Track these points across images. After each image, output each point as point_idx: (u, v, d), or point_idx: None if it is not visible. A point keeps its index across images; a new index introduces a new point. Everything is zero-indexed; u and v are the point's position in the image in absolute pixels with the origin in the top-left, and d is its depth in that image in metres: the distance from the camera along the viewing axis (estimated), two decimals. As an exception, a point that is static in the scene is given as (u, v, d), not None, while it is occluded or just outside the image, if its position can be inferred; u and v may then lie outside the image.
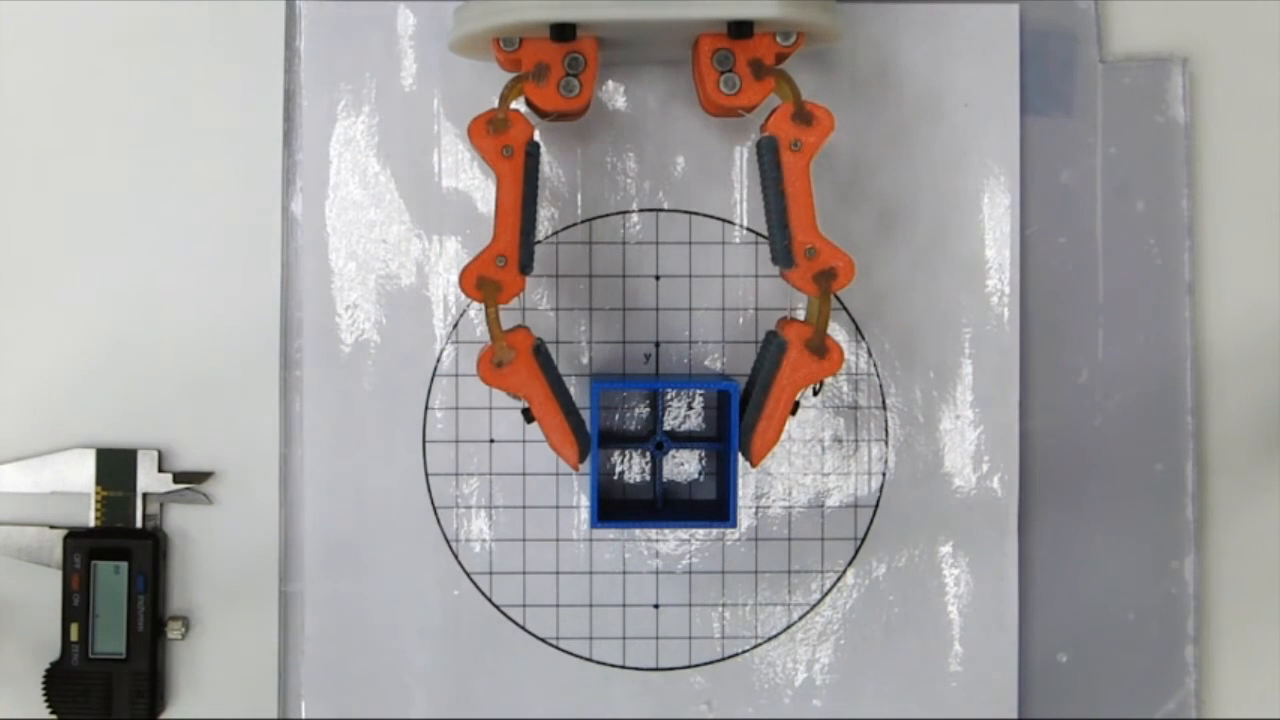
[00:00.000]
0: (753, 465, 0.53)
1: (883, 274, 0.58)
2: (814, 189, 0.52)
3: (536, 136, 0.53)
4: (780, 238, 0.52)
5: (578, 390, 0.58)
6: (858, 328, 0.59)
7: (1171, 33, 0.60)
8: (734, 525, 0.55)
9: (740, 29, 0.51)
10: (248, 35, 0.58)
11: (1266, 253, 0.60)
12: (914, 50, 0.58)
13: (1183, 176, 0.59)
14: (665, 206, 0.58)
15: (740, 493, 0.58)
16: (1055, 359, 0.59)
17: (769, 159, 0.52)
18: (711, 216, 0.58)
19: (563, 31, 0.51)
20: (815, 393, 0.57)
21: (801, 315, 0.57)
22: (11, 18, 0.59)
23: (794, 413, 0.53)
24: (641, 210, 0.58)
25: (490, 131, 0.51)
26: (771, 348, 0.54)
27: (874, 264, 0.58)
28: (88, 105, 0.59)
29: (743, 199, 0.58)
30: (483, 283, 0.52)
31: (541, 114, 0.53)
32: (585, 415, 0.55)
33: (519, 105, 0.52)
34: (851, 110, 0.58)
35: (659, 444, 0.57)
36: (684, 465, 0.59)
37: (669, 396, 0.58)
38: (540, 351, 0.53)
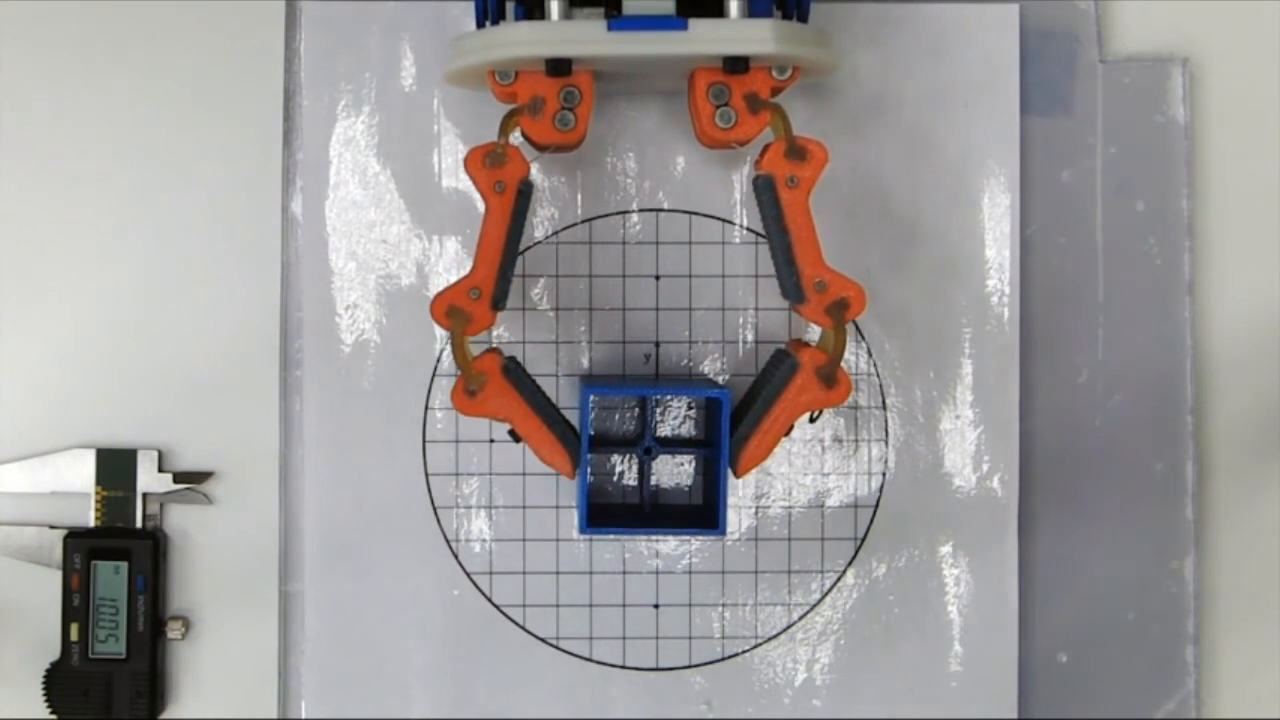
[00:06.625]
0: (736, 475, 0.53)
1: (883, 274, 0.58)
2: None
3: (533, 175, 0.53)
4: (788, 274, 0.52)
5: (574, 392, 0.58)
6: (858, 328, 0.59)
7: (1171, 33, 0.60)
8: (723, 533, 0.55)
9: (736, 64, 0.51)
10: (248, 35, 0.58)
11: (1266, 253, 0.60)
12: (914, 51, 0.58)
13: (1183, 176, 0.59)
14: (665, 206, 0.58)
15: (740, 493, 0.58)
16: (1055, 359, 0.59)
17: (767, 197, 0.52)
18: (711, 216, 0.58)
19: (558, 66, 0.51)
20: (812, 420, 0.56)
21: (804, 327, 0.57)
22: (11, 17, 0.59)
23: (788, 433, 0.53)
24: (641, 210, 0.58)
25: (486, 164, 0.51)
26: (782, 367, 0.53)
27: (874, 264, 0.58)
28: (87, 105, 0.59)
29: (743, 199, 0.58)
30: (453, 312, 0.52)
31: (538, 147, 0.53)
32: (574, 416, 0.55)
33: (516, 137, 0.53)
34: (851, 111, 0.58)
35: (647, 449, 0.56)
36: (684, 466, 0.59)
37: (666, 398, 0.58)
38: (510, 370, 0.53)
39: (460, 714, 0.58)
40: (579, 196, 0.58)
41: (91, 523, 0.58)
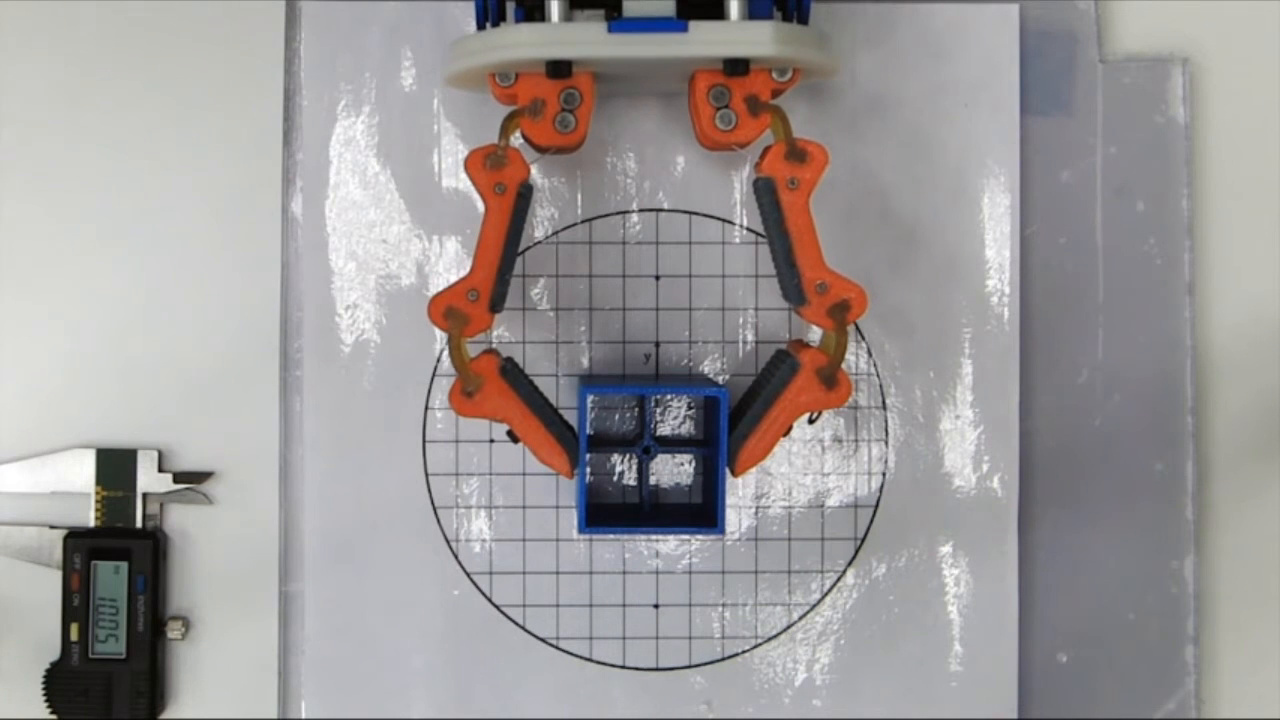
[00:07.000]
0: (734, 474, 0.53)
1: (883, 274, 0.58)
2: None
3: (533, 175, 0.53)
4: (789, 276, 0.52)
5: (574, 392, 0.58)
6: (858, 328, 0.59)
7: (1171, 33, 0.60)
8: (722, 533, 0.55)
9: (736, 66, 0.51)
10: (248, 35, 0.58)
11: (1266, 253, 0.60)
12: (914, 51, 0.58)
13: (1183, 176, 0.59)
14: (665, 206, 0.58)
15: (740, 493, 0.58)
16: (1055, 359, 0.59)
17: (768, 200, 0.52)
18: (711, 216, 0.58)
19: (558, 68, 0.51)
20: (811, 421, 0.56)
21: (805, 328, 0.57)
22: (12, 17, 0.59)
23: (787, 434, 0.53)
24: (641, 210, 0.58)
25: (486, 166, 0.51)
26: (783, 367, 0.53)
27: (874, 264, 0.58)
28: (88, 105, 0.59)
29: (743, 199, 0.58)
30: (451, 313, 0.52)
31: (538, 148, 0.53)
32: (574, 415, 0.55)
33: (516, 139, 0.53)
34: (851, 112, 0.58)
35: (646, 449, 0.56)
36: (683, 466, 0.59)
37: (666, 397, 0.58)
38: (507, 371, 0.53)
39: (460, 714, 0.58)
40: (579, 196, 0.58)
41: (91, 523, 0.58)
